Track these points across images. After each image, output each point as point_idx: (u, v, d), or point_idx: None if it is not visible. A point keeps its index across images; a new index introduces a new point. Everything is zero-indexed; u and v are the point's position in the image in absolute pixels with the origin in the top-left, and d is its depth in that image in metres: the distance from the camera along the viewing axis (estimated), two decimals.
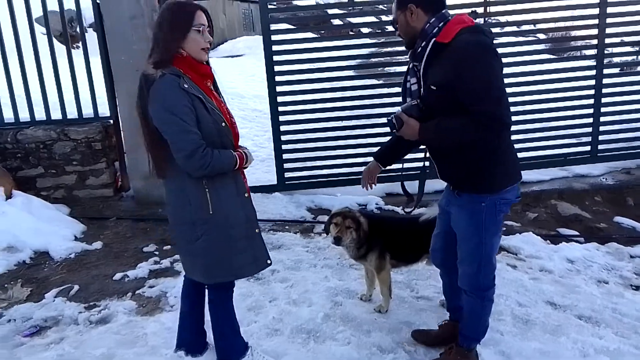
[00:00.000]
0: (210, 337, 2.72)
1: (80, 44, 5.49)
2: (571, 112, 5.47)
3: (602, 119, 5.49)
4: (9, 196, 4.70)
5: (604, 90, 5.43)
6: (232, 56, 13.67)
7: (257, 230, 2.49)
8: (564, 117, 5.49)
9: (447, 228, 2.58)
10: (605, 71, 5.41)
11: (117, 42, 4.95)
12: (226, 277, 2.49)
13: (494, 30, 6.35)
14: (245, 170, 2.48)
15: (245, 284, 3.52)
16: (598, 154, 5.59)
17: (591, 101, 5.43)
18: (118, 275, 3.84)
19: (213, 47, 2.05)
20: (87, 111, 5.39)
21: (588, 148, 5.58)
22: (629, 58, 6.18)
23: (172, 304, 3.41)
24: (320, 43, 5.45)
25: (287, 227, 4.76)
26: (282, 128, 5.37)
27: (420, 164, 2.69)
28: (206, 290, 2.65)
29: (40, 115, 5.38)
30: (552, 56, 6.20)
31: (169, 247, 4.31)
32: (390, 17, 2.41)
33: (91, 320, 3.26)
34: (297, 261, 3.98)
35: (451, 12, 2.28)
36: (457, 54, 2.13)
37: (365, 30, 9.06)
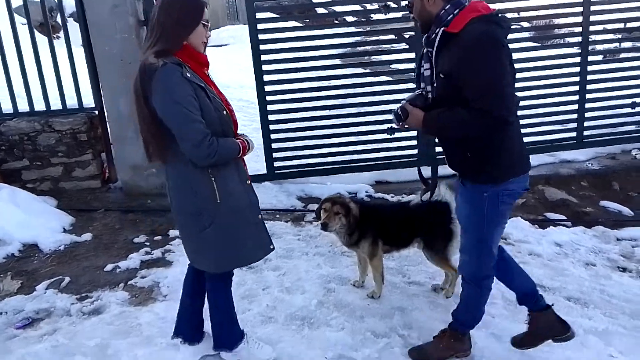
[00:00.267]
0: (207, 325, 2.73)
1: (61, 34, 5.38)
2: (557, 99, 5.52)
3: (587, 105, 5.55)
4: None
5: (589, 77, 5.49)
6: (217, 46, 13.55)
7: (260, 217, 2.51)
8: (550, 104, 5.54)
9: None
10: (590, 58, 5.47)
11: (100, 31, 4.86)
12: (235, 264, 2.52)
13: None
14: (245, 158, 2.48)
15: (239, 273, 3.51)
16: (584, 140, 5.66)
17: (576, 88, 5.48)
18: (109, 267, 3.81)
19: None
20: (71, 102, 5.30)
21: (574, 134, 5.65)
22: (612, 45, 6.25)
23: (165, 294, 3.40)
24: (307, 32, 5.42)
25: (277, 216, 4.76)
26: (271, 117, 5.34)
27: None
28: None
29: (23, 106, 5.29)
30: (536, 44, 6.25)
31: (159, 237, 4.28)
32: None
33: (84, 312, 3.24)
34: (288, 250, 3.98)
35: None
36: (463, 45, 2.11)
37: (350, 19, 9.05)
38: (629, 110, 5.62)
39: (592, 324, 2.95)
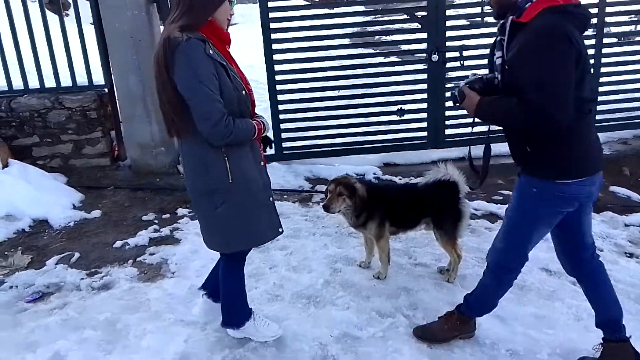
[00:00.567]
0: None
1: (71, 12, 5.36)
2: None
3: (600, 89, 5.48)
4: (5, 165, 4.67)
5: (603, 60, 5.41)
6: None
7: (271, 199, 2.50)
8: None
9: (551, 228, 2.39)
10: (605, 41, 5.38)
11: (110, 8, 4.84)
12: (246, 244, 2.52)
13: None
14: None
15: None
16: (596, 124, 5.59)
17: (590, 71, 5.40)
18: (118, 243, 3.86)
19: None
20: (81, 80, 5.32)
21: None
22: (627, 28, 6.13)
23: (173, 271, 3.44)
24: (318, 10, 5.36)
25: (285, 196, 4.77)
26: (280, 97, 5.33)
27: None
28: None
29: (33, 83, 5.31)
30: None
31: (168, 215, 4.32)
32: None
33: (93, 287, 3.29)
34: (296, 229, 4.01)
35: None
36: (528, 35, 2.02)
37: None
38: None
39: None
